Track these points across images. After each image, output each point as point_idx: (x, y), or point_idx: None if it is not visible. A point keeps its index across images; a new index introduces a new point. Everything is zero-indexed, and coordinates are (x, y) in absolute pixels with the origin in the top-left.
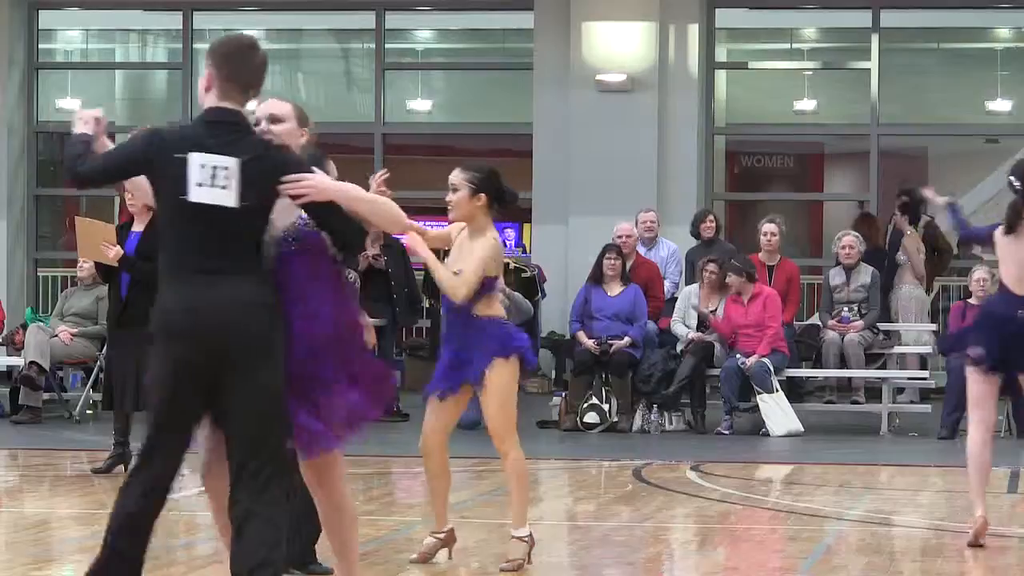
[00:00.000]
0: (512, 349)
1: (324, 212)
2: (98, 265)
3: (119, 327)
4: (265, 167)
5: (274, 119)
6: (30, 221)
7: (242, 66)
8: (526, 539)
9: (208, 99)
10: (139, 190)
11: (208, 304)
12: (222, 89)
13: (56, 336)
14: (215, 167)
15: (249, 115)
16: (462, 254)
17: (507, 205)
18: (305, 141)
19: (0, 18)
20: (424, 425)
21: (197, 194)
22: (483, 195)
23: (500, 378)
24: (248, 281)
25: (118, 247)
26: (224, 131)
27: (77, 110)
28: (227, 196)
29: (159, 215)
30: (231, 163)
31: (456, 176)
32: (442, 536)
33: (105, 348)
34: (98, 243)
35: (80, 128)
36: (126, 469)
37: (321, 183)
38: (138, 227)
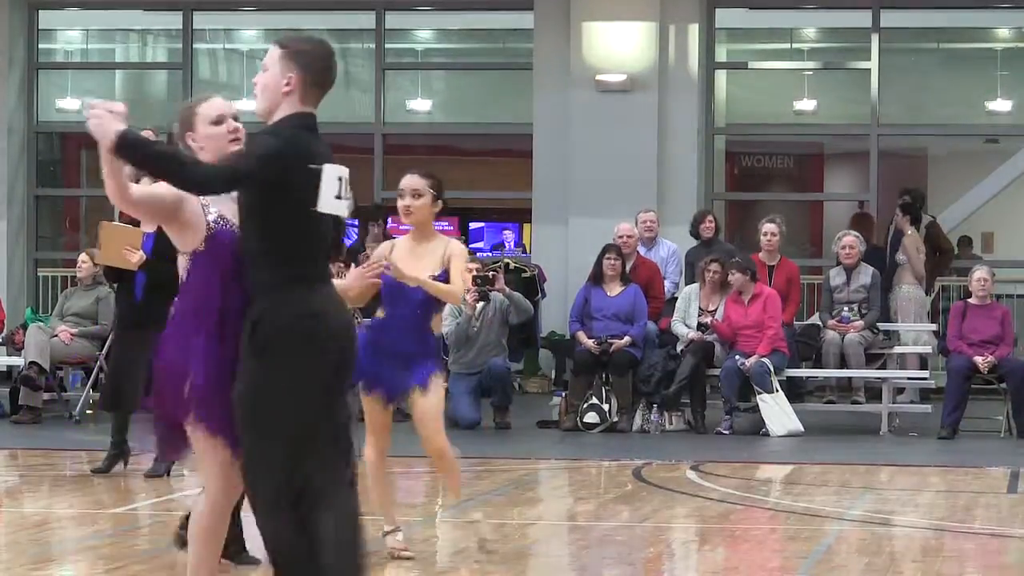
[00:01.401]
0: (439, 365)
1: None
2: (106, 267)
3: (132, 328)
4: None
5: (236, 116)
6: (30, 221)
7: (328, 73)
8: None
9: (287, 102)
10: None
11: (340, 314)
12: (307, 93)
13: (56, 336)
14: (341, 178)
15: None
16: (417, 261)
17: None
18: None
19: (0, 18)
20: (368, 422)
21: (334, 206)
22: (440, 201)
23: (436, 392)
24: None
25: (141, 252)
26: (319, 138)
27: (88, 102)
28: (348, 207)
29: (277, 221)
30: (345, 173)
31: (417, 182)
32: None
33: (107, 348)
34: (121, 248)
35: (117, 125)
36: (126, 465)
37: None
38: (150, 227)
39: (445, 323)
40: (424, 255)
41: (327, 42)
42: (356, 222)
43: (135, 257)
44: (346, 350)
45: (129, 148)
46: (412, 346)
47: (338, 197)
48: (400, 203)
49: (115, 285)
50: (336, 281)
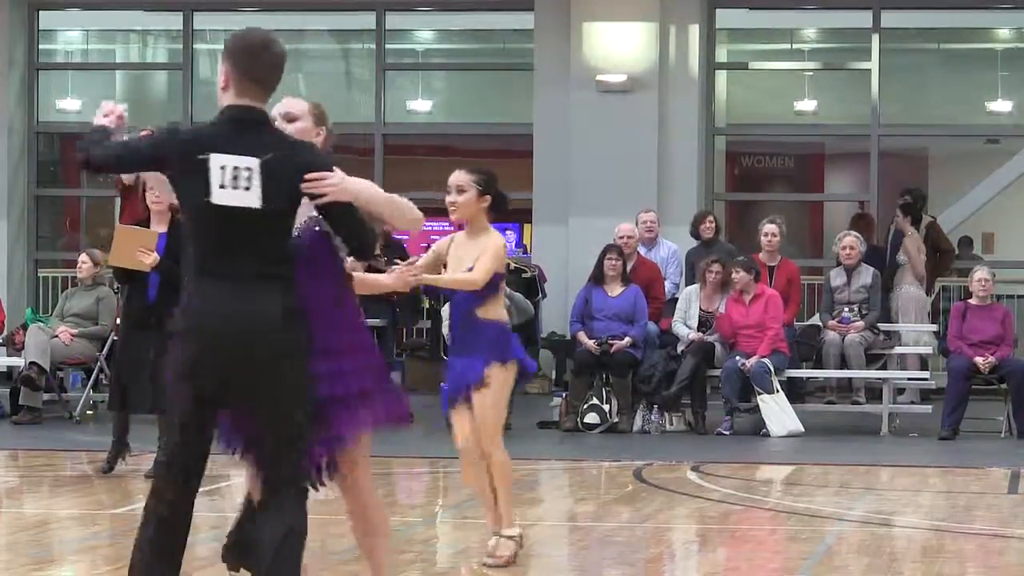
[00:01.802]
0: (511, 356)
1: (342, 214)
2: (118, 270)
3: (140, 328)
4: (289, 166)
5: (289, 118)
6: (30, 221)
7: (258, 62)
8: (516, 538)
9: (226, 97)
10: (164, 189)
11: (233, 309)
12: (240, 86)
13: (56, 336)
14: (236, 167)
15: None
16: (465, 255)
17: (503, 209)
18: (322, 140)
19: (0, 19)
20: (459, 433)
21: (220, 196)
22: (488, 196)
23: (496, 381)
24: (273, 286)
25: (155, 254)
26: (244, 130)
27: (102, 103)
28: (251, 197)
29: (182, 216)
30: (253, 163)
31: (462, 177)
32: (516, 538)
33: (115, 348)
34: (134, 249)
35: (100, 120)
36: (124, 460)
37: (343, 182)
38: (161, 227)
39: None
40: (470, 250)
41: (263, 32)
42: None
43: (150, 259)
44: (208, 349)
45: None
46: (466, 339)
47: (222, 187)
48: (447, 199)
49: (123, 286)
50: (376, 276)
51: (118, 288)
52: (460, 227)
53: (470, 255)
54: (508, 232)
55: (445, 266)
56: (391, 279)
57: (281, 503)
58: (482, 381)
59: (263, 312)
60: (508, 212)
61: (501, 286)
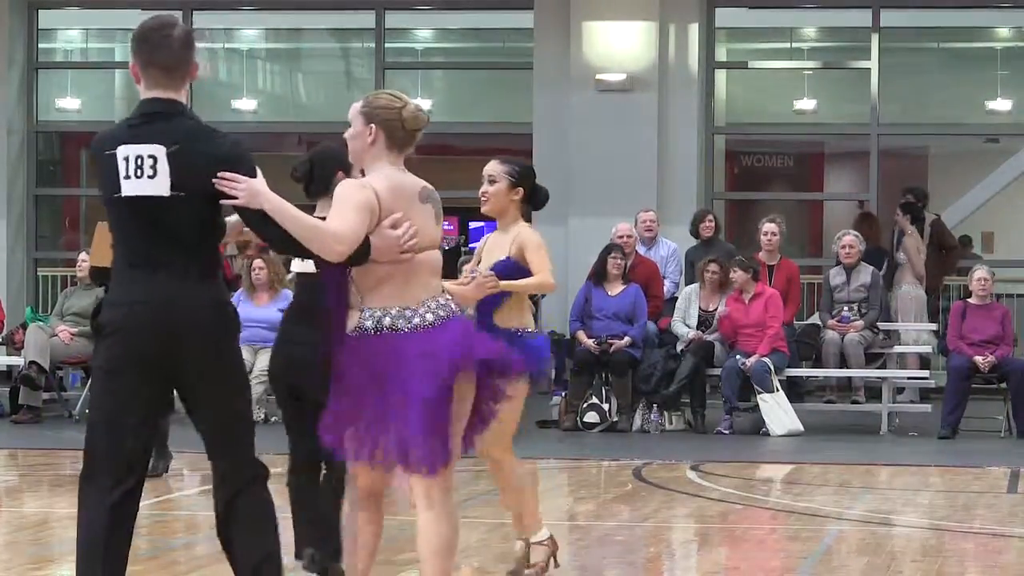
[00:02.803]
0: (536, 367)
1: (253, 218)
2: (93, 268)
3: None
4: (201, 155)
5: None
6: (30, 221)
7: (155, 49)
8: (544, 542)
9: (141, 90)
10: None
11: (151, 299)
12: (147, 77)
13: (56, 336)
14: (139, 156)
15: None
16: (495, 249)
17: (540, 205)
18: (374, 138)
19: (0, 18)
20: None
21: (127, 187)
22: (520, 189)
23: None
24: (190, 275)
25: None
26: (155, 121)
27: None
28: (156, 186)
29: (106, 210)
30: (157, 151)
31: (495, 168)
32: (546, 542)
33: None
34: None
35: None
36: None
37: (254, 192)
38: None
39: None
40: (501, 243)
41: (162, 17)
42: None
43: None
44: (134, 342)
45: None
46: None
47: (127, 177)
48: (480, 190)
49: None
50: (457, 287)
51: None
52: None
53: (500, 248)
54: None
55: (479, 264)
56: (471, 289)
57: (247, 502)
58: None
59: (184, 301)
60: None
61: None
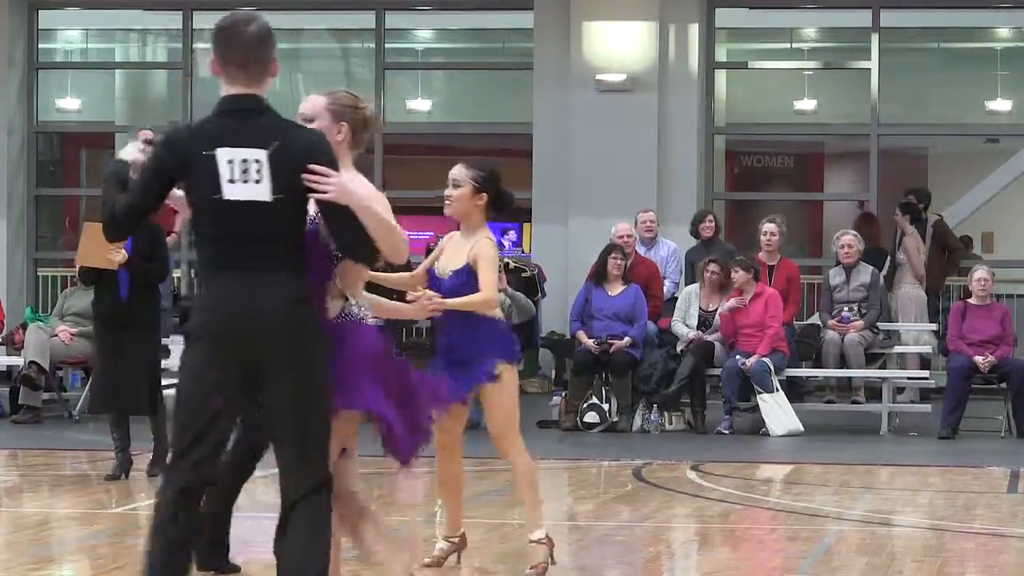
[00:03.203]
0: (515, 353)
1: (337, 217)
2: (83, 268)
3: (117, 329)
4: (292, 154)
5: (303, 119)
6: (30, 221)
7: (233, 45)
8: (544, 541)
9: (221, 88)
10: None
11: (245, 304)
12: (225, 74)
13: (56, 336)
14: (244, 160)
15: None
16: (456, 252)
17: (504, 209)
18: (343, 138)
19: (0, 18)
20: (435, 430)
21: (230, 191)
22: (484, 194)
23: (507, 381)
24: (278, 278)
25: (124, 252)
26: (243, 120)
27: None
28: (261, 191)
29: (193, 213)
30: (260, 155)
31: (459, 172)
32: (455, 540)
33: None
34: (103, 248)
35: (131, 153)
36: (127, 476)
37: (344, 186)
38: None
39: None
40: (461, 247)
41: (238, 13)
42: None
43: (119, 256)
44: (221, 346)
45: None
46: (466, 339)
47: (232, 181)
48: (445, 192)
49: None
50: (395, 304)
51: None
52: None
53: (460, 252)
54: (510, 232)
55: (436, 262)
56: (411, 308)
57: (307, 511)
58: (493, 379)
59: (273, 304)
60: (509, 210)
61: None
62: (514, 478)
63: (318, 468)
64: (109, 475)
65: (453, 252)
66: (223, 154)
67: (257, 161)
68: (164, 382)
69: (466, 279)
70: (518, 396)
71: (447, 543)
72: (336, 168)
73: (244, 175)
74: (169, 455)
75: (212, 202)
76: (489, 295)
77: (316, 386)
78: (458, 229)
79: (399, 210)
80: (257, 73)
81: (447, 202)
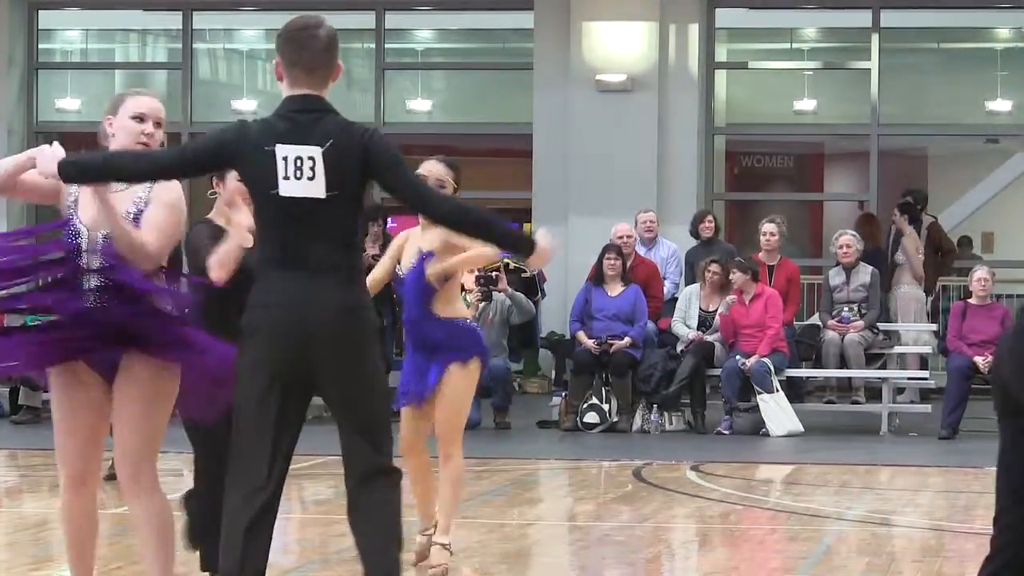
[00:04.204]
0: (473, 353)
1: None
2: None
3: None
4: (350, 153)
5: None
6: (29, 221)
7: (302, 50)
8: (448, 547)
9: (284, 89)
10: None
11: (290, 301)
12: (291, 76)
13: None
14: (299, 158)
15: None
16: (416, 248)
17: None
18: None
19: (0, 18)
20: (401, 429)
21: (285, 187)
22: (457, 190)
23: (458, 382)
24: (332, 277)
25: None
26: (304, 119)
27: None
28: (315, 187)
29: (254, 210)
30: (315, 152)
31: (443, 171)
32: (431, 532)
33: None
34: None
35: (50, 164)
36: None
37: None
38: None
39: None
40: (423, 240)
41: (305, 17)
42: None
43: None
44: (278, 343)
45: (76, 170)
46: (422, 337)
47: (287, 178)
48: None
49: None
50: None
51: None
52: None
53: (422, 243)
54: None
55: (399, 263)
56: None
57: (372, 497)
58: (436, 388)
59: (321, 303)
60: (507, 211)
61: (454, 281)
62: (444, 477)
63: (378, 456)
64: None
65: (413, 248)
66: (280, 151)
67: (311, 158)
68: None
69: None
70: (471, 396)
71: (424, 536)
72: (401, 161)
73: (299, 172)
74: (233, 458)
75: (269, 197)
76: (482, 248)
77: (371, 387)
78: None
79: (397, 210)
80: (323, 77)
81: None
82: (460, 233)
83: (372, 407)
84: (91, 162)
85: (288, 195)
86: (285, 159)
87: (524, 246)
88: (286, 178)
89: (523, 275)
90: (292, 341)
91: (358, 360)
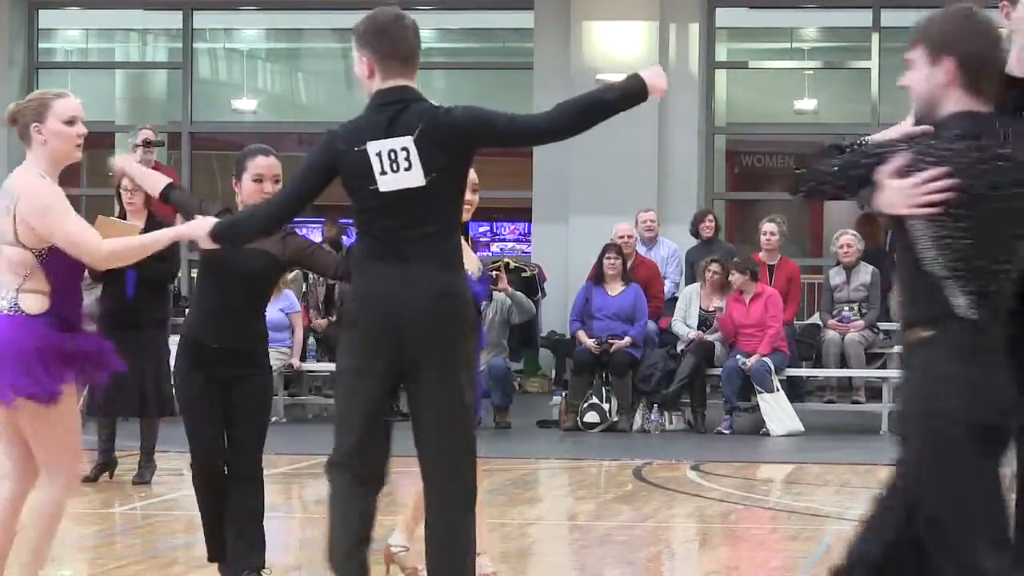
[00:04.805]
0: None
1: None
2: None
3: (122, 327)
4: (441, 131)
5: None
6: None
7: (399, 41)
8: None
9: (374, 84)
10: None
11: (384, 291)
12: (385, 69)
13: None
14: (392, 151)
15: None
16: None
17: None
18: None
19: (0, 18)
20: None
21: (384, 183)
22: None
23: None
24: (428, 265)
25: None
26: (396, 111)
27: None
28: (413, 177)
29: (354, 208)
30: (407, 142)
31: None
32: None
33: None
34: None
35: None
36: (111, 476)
37: None
38: (140, 222)
39: None
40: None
41: (389, 10)
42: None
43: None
44: (373, 333)
45: (227, 236)
46: None
47: (384, 173)
48: None
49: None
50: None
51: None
52: None
53: None
54: (510, 226)
55: None
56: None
57: (448, 508)
58: None
59: (423, 296)
60: (507, 210)
61: None
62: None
63: (460, 465)
64: (89, 476)
65: None
66: (372, 147)
67: (404, 149)
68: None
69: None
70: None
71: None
72: (490, 115)
73: (395, 164)
74: (334, 450)
75: (369, 193)
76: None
77: (457, 380)
78: None
79: None
80: (415, 66)
81: (466, 208)
82: (589, 127)
83: (462, 399)
84: (237, 226)
85: (388, 189)
86: (379, 154)
87: (639, 93)
88: (383, 173)
89: (523, 275)
90: (387, 332)
91: (446, 348)
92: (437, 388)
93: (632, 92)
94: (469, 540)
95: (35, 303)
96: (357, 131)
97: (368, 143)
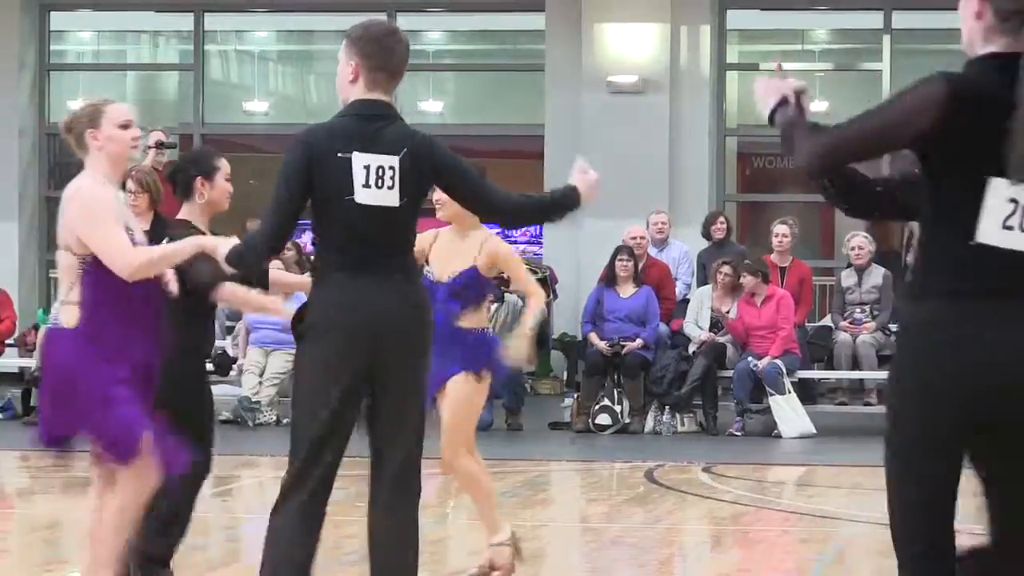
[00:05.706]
0: (483, 366)
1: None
2: None
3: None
4: (419, 162)
5: None
6: (42, 223)
7: (391, 54)
8: (506, 543)
9: (354, 91)
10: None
11: (372, 303)
12: (371, 80)
13: None
14: (380, 167)
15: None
16: (454, 253)
17: None
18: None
19: (11, 20)
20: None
21: (364, 196)
22: None
23: (463, 392)
24: (396, 278)
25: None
26: (378, 125)
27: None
28: (392, 196)
29: (319, 212)
30: (394, 162)
31: None
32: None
33: None
34: None
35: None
36: None
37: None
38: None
39: None
40: (461, 250)
41: (384, 23)
42: None
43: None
44: (347, 344)
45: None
46: (442, 345)
47: (366, 186)
48: (433, 196)
49: None
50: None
51: None
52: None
53: (460, 253)
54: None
55: (427, 261)
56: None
57: (397, 505)
58: (442, 387)
59: (396, 304)
60: None
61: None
62: (483, 487)
63: (416, 465)
64: None
65: (448, 253)
66: (360, 159)
67: (391, 168)
68: None
69: (469, 282)
70: (480, 406)
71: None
72: (467, 167)
73: (379, 181)
74: (291, 462)
75: (344, 203)
76: (539, 290)
77: (420, 388)
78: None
79: None
80: (398, 82)
81: (438, 206)
82: (525, 224)
83: (419, 410)
84: (247, 255)
85: (364, 202)
86: (367, 168)
87: (573, 202)
88: (366, 186)
89: (535, 276)
90: (364, 339)
91: (420, 360)
92: (404, 391)
93: (570, 207)
94: (416, 536)
95: (70, 315)
96: (334, 136)
97: (354, 153)
